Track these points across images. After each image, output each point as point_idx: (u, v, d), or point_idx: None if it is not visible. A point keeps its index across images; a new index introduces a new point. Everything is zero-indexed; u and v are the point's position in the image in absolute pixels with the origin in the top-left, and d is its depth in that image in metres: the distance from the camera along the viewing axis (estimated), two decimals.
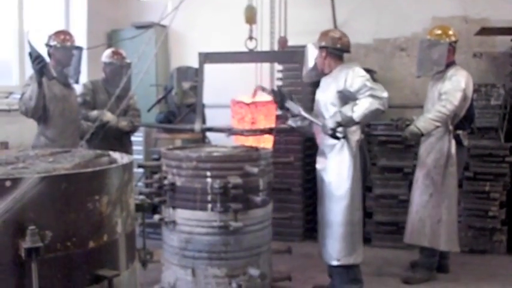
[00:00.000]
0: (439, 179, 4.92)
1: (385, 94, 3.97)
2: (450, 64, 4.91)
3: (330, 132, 4.07)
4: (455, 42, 4.97)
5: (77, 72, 4.99)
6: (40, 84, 4.58)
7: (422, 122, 4.78)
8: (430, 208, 4.96)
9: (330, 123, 4.07)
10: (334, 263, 4.29)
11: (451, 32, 4.96)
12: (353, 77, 4.06)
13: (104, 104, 5.43)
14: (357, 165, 4.25)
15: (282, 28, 6.38)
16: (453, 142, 4.91)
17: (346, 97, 4.11)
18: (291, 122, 4.61)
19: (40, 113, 4.75)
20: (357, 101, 4.00)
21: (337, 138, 4.11)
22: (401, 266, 5.39)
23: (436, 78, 4.98)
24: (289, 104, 4.42)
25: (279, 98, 4.45)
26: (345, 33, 4.48)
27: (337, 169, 4.25)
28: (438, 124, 4.76)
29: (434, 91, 4.96)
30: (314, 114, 4.43)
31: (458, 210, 5.79)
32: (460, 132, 4.94)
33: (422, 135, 4.84)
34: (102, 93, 5.64)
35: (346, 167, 4.22)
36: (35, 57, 4.44)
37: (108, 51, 5.81)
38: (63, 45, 4.92)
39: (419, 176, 5.10)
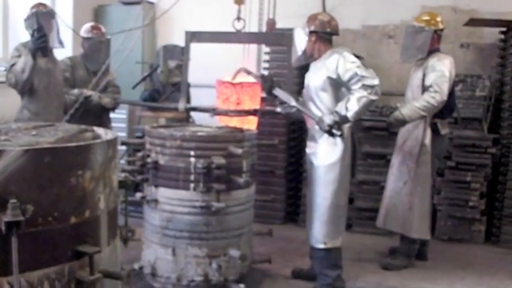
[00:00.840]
0: (413, 166, 4.92)
1: (376, 81, 3.91)
2: (433, 51, 4.86)
3: (326, 128, 3.98)
4: (441, 30, 4.92)
5: (58, 38, 4.94)
6: (35, 57, 4.58)
7: (408, 109, 4.74)
8: (403, 195, 4.97)
9: (328, 120, 3.98)
10: (321, 246, 4.25)
11: (438, 19, 4.91)
12: (344, 64, 3.97)
13: (83, 80, 5.39)
14: (347, 150, 4.20)
15: (271, 10, 6.33)
16: (428, 131, 4.87)
17: (338, 83, 4.06)
18: (279, 109, 4.57)
19: (29, 86, 4.70)
20: (350, 97, 3.92)
21: (333, 135, 4.02)
22: (380, 252, 5.43)
23: (418, 65, 4.95)
24: (277, 92, 4.34)
25: (268, 84, 4.35)
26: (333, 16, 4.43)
27: (327, 154, 4.19)
28: (424, 114, 4.71)
29: (414, 78, 4.94)
30: (302, 100, 4.40)
31: (438, 199, 5.89)
32: (437, 120, 4.90)
33: (406, 122, 4.81)
34: (81, 69, 5.56)
35: (336, 152, 4.16)
36: (40, 36, 4.50)
37: (87, 26, 5.70)
38: (34, 12, 4.81)
39: (395, 162, 5.11)
